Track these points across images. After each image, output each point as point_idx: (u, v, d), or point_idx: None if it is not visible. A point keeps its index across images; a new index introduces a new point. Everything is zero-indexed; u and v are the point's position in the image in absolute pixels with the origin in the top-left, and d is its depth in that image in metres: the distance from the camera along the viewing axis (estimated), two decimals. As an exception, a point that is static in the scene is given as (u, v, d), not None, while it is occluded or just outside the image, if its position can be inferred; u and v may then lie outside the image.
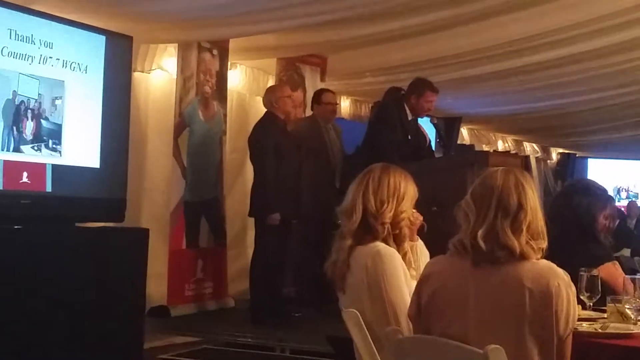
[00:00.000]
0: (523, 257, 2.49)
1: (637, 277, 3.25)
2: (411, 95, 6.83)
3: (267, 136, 6.68)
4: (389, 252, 3.06)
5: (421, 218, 3.26)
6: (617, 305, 3.10)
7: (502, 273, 2.49)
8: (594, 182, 4.42)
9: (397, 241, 3.14)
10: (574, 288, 2.51)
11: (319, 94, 7.71)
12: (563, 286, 2.45)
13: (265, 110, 6.96)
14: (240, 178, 8.05)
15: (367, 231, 3.11)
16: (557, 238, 2.72)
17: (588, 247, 3.91)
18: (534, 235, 2.52)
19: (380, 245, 3.07)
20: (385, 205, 3.11)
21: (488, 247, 2.49)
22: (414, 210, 3.21)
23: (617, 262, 3.94)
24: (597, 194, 4.13)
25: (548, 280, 2.44)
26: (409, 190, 3.18)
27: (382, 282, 2.99)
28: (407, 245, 3.18)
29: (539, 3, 6.46)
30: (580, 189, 4.19)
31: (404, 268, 3.05)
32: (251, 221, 7.08)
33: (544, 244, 2.55)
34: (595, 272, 3.21)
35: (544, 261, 2.52)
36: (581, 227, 4.00)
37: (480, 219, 2.53)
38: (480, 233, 2.50)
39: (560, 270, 2.49)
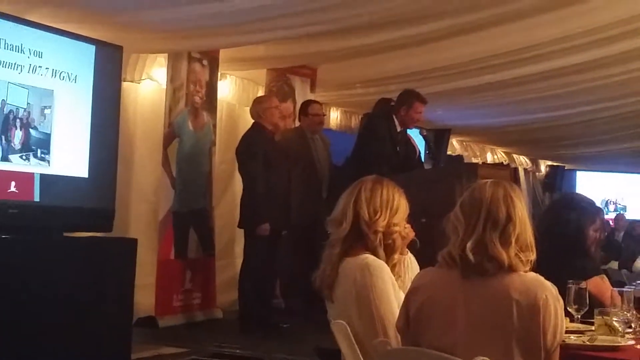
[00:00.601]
0: (512, 269, 2.49)
1: (624, 289, 3.26)
2: (400, 107, 6.85)
3: (255, 147, 6.68)
4: (378, 264, 3.05)
5: (413, 234, 3.24)
6: (604, 317, 3.10)
7: (491, 285, 2.49)
8: (581, 195, 4.44)
9: (388, 252, 3.13)
10: (561, 301, 2.51)
11: (305, 105, 7.74)
12: (551, 299, 2.45)
13: (253, 121, 6.96)
14: (230, 189, 8.05)
15: (358, 240, 3.10)
16: (546, 252, 2.72)
17: (576, 261, 3.91)
18: (522, 248, 2.53)
19: (369, 257, 3.06)
20: (379, 214, 3.11)
21: (477, 259, 2.49)
22: (406, 225, 3.21)
23: (604, 276, 3.94)
24: (585, 207, 4.13)
25: (536, 292, 2.45)
26: (402, 204, 3.18)
27: (371, 295, 2.98)
28: (396, 256, 3.17)
29: (529, 16, 6.48)
30: (568, 203, 4.19)
31: (393, 280, 3.05)
32: (240, 232, 7.08)
33: (533, 256, 2.55)
34: (583, 284, 3.21)
35: (532, 274, 2.52)
36: (570, 242, 4.00)
37: (469, 231, 2.54)
38: (469, 245, 2.51)
39: (548, 283, 2.50)
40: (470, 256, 2.49)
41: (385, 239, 3.13)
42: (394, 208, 3.14)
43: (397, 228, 3.15)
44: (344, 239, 3.11)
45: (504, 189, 2.59)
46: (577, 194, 4.95)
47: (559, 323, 2.46)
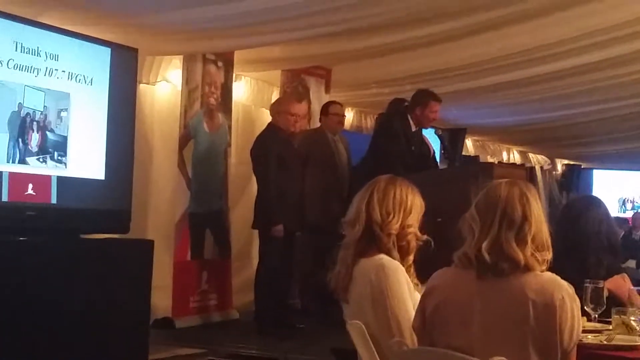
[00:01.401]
0: (528, 268, 2.48)
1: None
2: (415, 107, 6.85)
3: (269, 148, 6.69)
4: (393, 265, 3.04)
5: (424, 238, 3.21)
6: (622, 317, 3.09)
7: (507, 285, 2.48)
8: (594, 196, 4.43)
9: (402, 253, 3.12)
10: (578, 301, 2.50)
11: (326, 106, 7.76)
12: (567, 299, 2.44)
13: (268, 121, 6.98)
14: (247, 190, 8.05)
15: (371, 242, 3.10)
16: (565, 251, 2.71)
17: (599, 259, 3.89)
18: (538, 247, 2.52)
19: (384, 258, 3.06)
20: (392, 215, 3.09)
21: (492, 259, 2.48)
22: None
23: (625, 275, 3.91)
24: (604, 206, 4.11)
25: (552, 292, 2.44)
26: (416, 204, 3.16)
27: (386, 295, 2.98)
28: (411, 257, 3.16)
29: (544, 15, 6.46)
30: (589, 202, 4.16)
31: (408, 281, 3.04)
32: (256, 233, 7.08)
33: (549, 256, 2.54)
34: (600, 284, 3.20)
35: (548, 273, 2.51)
36: (595, 240, 3.96)
37: (484, 231, 2.53)
38: (484, 245, 2.50)
39: (564, 283, 2.49)
40: (486, 256, 2.49)
41: (399, 241, 3.11)
42: (408, 209, 3.13)
43: (411, 229, 3.13)
44: (358, 241, 3.10)
45: (520, 188, 2.58)
46: (593, 196, 4.92)
47: (576, 323, 2.45)
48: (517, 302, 2.46)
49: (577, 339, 2.48)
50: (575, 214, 4.05)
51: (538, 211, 2.56)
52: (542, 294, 2.44)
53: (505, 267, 2.48)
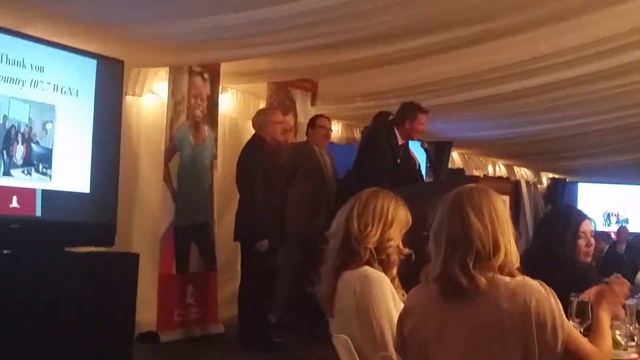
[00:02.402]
0: (492, 284, 2.42)
1: (627, 302, 3.25)
2: (404, 120, 6.87)
3: (254, 161, 6.68)
4: (378, 275, 3.03)
5: (406, 251, 3.19)
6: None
7: (478, 300, 2.42)
8: (568, 205, 4.46)
9: (383, 267, 3.09)
10: (552, 298, 2.42)
11: (313, 119, 7.83)
12: (541, 300, 2.37)
13: (254, 133, 6.97)
14: (232, 203, 8.01)
15: (351, 255, 3.09)
16: (542, 262, 2.70)
17: (572, 271, 3.90)
18: (500, 258, 2.43)
19: (369, 269, 3.05)
20: (370, 228, 3.07)
21: (452, 283, 2.43)
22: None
23: (605, 285, 3.92)
24: (570, 216, 4.13)
25: (524, 298, 2.37)
26: (399, 217, 3.14)
27: (371, 307, 2.97)
28: (394, 271, 3.14)
29: (529, 29, 6.50)
30: (554, 214, 4.20)
31: (393, 291, 3.03)
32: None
33: (515, 262, 2.47)
34: (585, 297, 3.20)
35: (518, 278, 2.43)
36: (561, 252, 3.99)
37: (439, 255, 2.49)
38: (441, 269, 2.46)
39: (535, 284, 2.41)
40: (445, 280, 2.44)
41: (379, 254, 3.09)
42: (389, 221, 3.10)
43: (391, 242, 3.10)
44: (337, 254, 3.09)
45: (459, 203, 2.50)
46: (566, 204, 4.95)
47: (557, 321, 2.37)
48: (490, 316, 2.40)
49: (564, 335, 2.38)
50: (549, 222, 4.09)
51: (477, 223, 2.45)
52: (515, 302, 2.37)
53: (469, 288, 2.41)
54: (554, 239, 4.01)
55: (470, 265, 2.41)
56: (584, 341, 2.50)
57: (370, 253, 3.07)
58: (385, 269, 3.10)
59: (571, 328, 2.49)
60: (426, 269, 2.55)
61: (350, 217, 3.10)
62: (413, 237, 3.23)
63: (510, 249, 2.47)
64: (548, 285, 2.44)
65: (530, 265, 2.60)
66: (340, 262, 3.09)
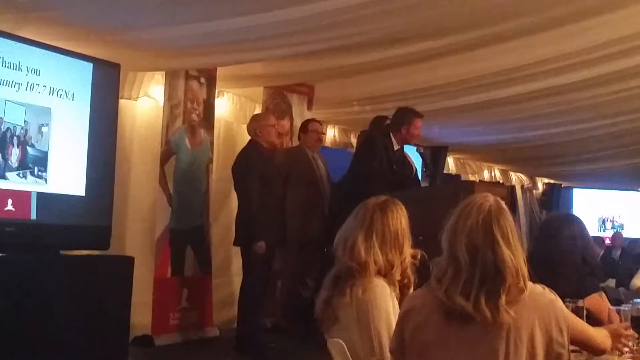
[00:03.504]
0: (495, 318, 2.41)
1: (622, 308, 3.26)
2: (401, 126, 6.86)
3: (250, 165, 6.69)
4: (381, 284, 3.07)
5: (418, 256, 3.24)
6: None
7: (474, 328, 2.44)
8: (571, 214, 4.46)
9: (404, 291, 3.15)
10: (553, 300, 2.47)
11: (305, 123, 7.83)
12: (539, 322, 2.42)
13: (249, 139, 6.98)
14: (227, 206, 8.03)
15: (357, 269, 3.13)
16: (543, 269, 2.70)
17: (576, 277, 3.91)
18: (517, 283, 2.45)
19: (373, 278, 3.08)
20: (395, 267, 3.14)
21: (463, 313, 2.43)
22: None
23: (603, 293, 3.93)
24: (582, 224, 4.14)
25: (526, 320, 2.42)
26: (406, 228, 3.21)
27: (370, 311, 2.99)
28: (411, 289, 3.17)
29: (524, 35, 6.51)
30: (565, 221, 4.19)
31: (394, 299, 3.05)
32: (237, 249, 7.06)
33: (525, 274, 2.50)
34: (580, 303, 3.20)
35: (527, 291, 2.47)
36: (572, 258, 3.99)
37: (458, 277, 2.48)
38: (457, 297, 2.45)
39: (538, 291, 2.46)
40: (458, 307, 2.44)
41: (401, 281, 3.16)
42: (403, 241, 3.18)
43: (407, 260, 3.18)
44: (347, 271, 3.11)
45: (491, 231, 2.49)
46: (567, 213, 4.96)
47: (562, 323, 2.43)
48: (484, 339, 2.42)
49: (569, 332, 2.44)
50: (550, 232, 4.07)
51: (511, 251, 2.47)
52: (522, 313, 2.41)
53: (477, 320, 2.42)
54: (562, 248, 3.99)
55: (503, 300, 2.41)
56: (587, 327, 2.62)
57: (378, 272, 3.12)
58: (406, 291, 3.16)
59: (573, 320, 2.54)
60: (436, 260, 2.56)
61: (369, 246, 3.13)
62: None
63: (524, 267, 2.50)
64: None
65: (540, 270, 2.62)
66: (345, 273, 3.11)
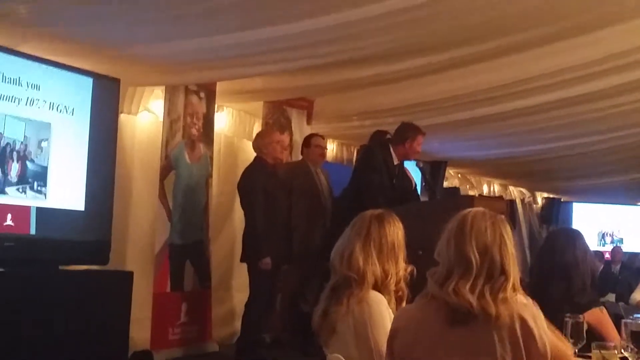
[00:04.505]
0: (498, 318, 2.43)
1: (623, 322, 3.24)
2: (405, 140, 6.86)
3: (255, 181, 6.71)
4: (377, 297, 3.06)
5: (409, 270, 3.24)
6: (602, 351, 3.08)
7: (477, 326, 2.44)
8: (574, 229, 4.47)
9: (399, 301, 3.15)
10: (536, 307, 2.50)
11: (308, 138, 7.83)
12: (526, 319, 2.43)
13: (255, 155, 7.00)
14: (228, 221, 8.04)
15: (355, 281, 3.12)
16: (544, 284, 2.70)
17: (577, 293, 3.90)
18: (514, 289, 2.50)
19: (369, 291, 3.07)
20: (390, 276, 3.13)
21: (468, 312, 2.45)
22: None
23: (604, 308, 3.93)
24: (583, 239, 4.14)
25: (512, 313, 2.43)
26: (402, 240, 3.21)
27: (368, 327, 2.98)
28: (404, 303, 3.17)
29: (523, 50, 6.52)
30: (568, 236, 4.19)
31: (390, 313, 3.05)
32: (237, 264, 7.06)
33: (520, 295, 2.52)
34: (580, 318, 3.20)
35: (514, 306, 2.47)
36: (571, 273, 3.98)
37: (464, 277, 2.49)
38: (466, 296, 2.46)
39: (523, 317, 2.45)
40: (464, 306, 2.45)
41: (396, 293, 3.16)
42: (398, 253, 3.18)
43: (401, 272, 3.17)
44: (345, 282, 3.11)
45: (499, 233, 2.57)
46: (568, 227, 4.99)
47: (541, 329, 2.44)
48: (485, 337, 2.42)
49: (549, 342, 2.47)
50: (564, 242, 4.07)
51: (513, 252, 2.56)
52: (504, 318, 2.42)
53: (479, 317, 2.43)
54: (578, 257, 4.00)
55: (506, 295, 2.46)
56: (560, 343, 2.65)
57: (375, 283, 3.12)
58: (400, 304, 3.15)
59: (549, 333, 2.52)
60: (432, 270, 2.57)
61: (367, 256, 3.13)
62: (409, 257, 3.25)
63: (518, 275, 2.56)
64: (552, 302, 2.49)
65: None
66: (342, 284, 3.10)
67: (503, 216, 2.64)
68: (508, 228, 2.61)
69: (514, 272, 2.52)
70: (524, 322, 2.42)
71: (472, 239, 2.54)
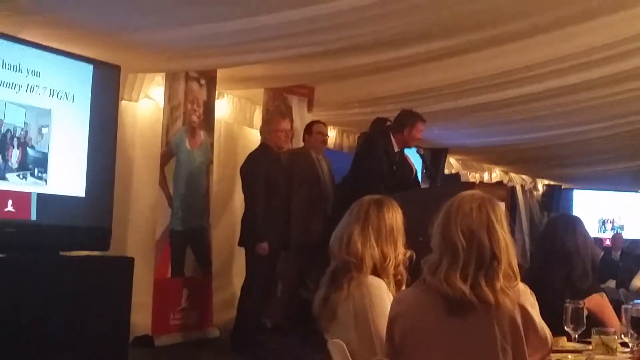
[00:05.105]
0: (497, 305, 2.42)
1: (623, 307, 3.25)
2: (403, 128, 6.87)
3: (258, 167, 6.72)
4: (376, 282, 3.07)
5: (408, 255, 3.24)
6: (602, 337, 3.09)
7: (473, 316, 2.44)
8: (574, 215, 4.47)
9: (398, 285, 3.15)
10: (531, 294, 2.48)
11: (310, 125, 7.82)
12: (525, 305, 2.43)
13: (261, 140, 7.00)
14: (229, 207, 8.04)
15: (354, 265, 3.12)
16: (544, 270, 2.70)
17: (577, 278, 3.91)
18: (507, 278, 2.47)
19: (368, 276, 3.08)
20: (388, 259, 3.13)
21: (464, 301, 2.42)
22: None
23: (604, 294, 3.94)
24: (583, 225, 4.15)
25: (512, 299, 2.42)
26: (400, 226, 3.20)
27: (369, 312, 2.99)
28: (404, 286, 3.17)
29: (525, 37, 6.51)
30: (567, 222, 4.20)
31: (391, 298, 3.05)
32: (238, 250, 7.07)
33: (517, 283, 2.49)
34: (580, 303, 3.21)
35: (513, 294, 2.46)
36: (572, 259, 3.99)
37: (454, 264, 2.47)
38: (458, 285, 2.43)
39: (523, 306, 2.44)
40: (458, 295, 2.42)
41: (395, 276, 3.16)
42: (397, 237, 3.17)
43: (400, 256, 3.17)
44: (343, 267, 3.12)
45: (486, 213, 2.50)
46: (570, 214, 4.98)
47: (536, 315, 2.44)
48: (485, 327, 2.42)
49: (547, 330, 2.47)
50: (564, 228, 4.08)
51: (505, 236, 2.48)
52: (505, 304, 2.41)
53: (477, 306, 2.41)
54: (579, 243, 4.00)
55: (501, 283, 2.41)
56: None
57: (374, 266, 3.12)
58: (399, 287, 3.15)
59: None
60: (426, 258, 2.55)
61: (365, 240, 3.13)
62: (409, 243, 3.25)
63: (515, 259, 2.52)
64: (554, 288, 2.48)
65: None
66: (341, 268, 3.10)
67: (493, 197, 2.58)
68: (498, 209, 2.52)
69: (507, 256, 2.45)
70: (524, 310, 2.41)
71: (457, 222, 2.48)
